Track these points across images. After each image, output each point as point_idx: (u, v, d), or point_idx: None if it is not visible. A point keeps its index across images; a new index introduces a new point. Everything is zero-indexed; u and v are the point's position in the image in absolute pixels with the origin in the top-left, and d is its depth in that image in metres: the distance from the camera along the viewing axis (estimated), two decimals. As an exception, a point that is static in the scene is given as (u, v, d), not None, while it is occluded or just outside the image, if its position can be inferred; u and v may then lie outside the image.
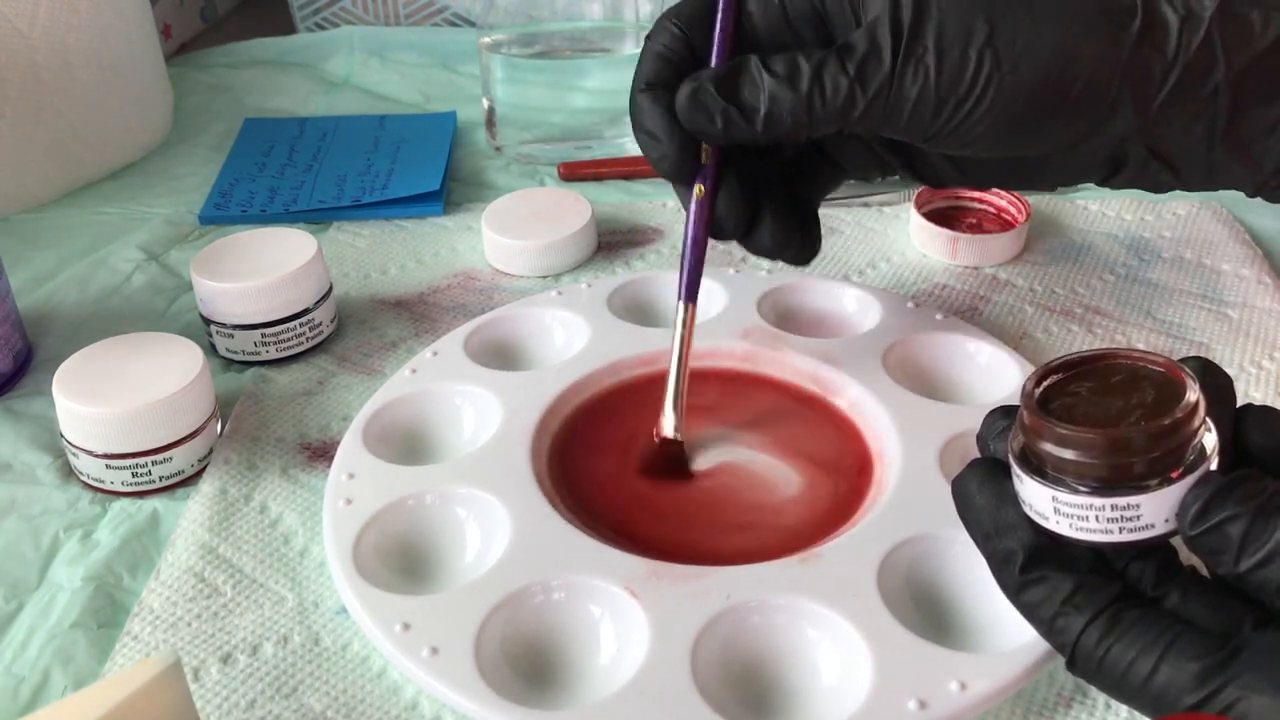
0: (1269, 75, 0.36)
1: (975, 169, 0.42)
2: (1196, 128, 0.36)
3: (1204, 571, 0.30)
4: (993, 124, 0.36)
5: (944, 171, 0.42)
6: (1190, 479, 0.28)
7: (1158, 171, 0.39)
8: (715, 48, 0.39)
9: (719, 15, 0.39)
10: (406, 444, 0.42)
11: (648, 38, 0.40)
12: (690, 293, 0.41)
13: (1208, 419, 0.29)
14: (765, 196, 0.41)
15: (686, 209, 0.40)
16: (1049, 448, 0.29)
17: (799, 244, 0.42)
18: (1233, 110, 0.36)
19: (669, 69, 0.39)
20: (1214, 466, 0.29)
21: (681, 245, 0.41)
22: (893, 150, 0.43)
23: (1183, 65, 0.35)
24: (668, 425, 0.40)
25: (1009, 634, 0.33)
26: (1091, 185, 0.60)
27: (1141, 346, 0.47)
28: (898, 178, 0.44)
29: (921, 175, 0.43)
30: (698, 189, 0.40)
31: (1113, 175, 0.40)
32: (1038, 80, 0.35)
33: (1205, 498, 0.28)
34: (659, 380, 0.45)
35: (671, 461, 0.41)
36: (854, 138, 0.43)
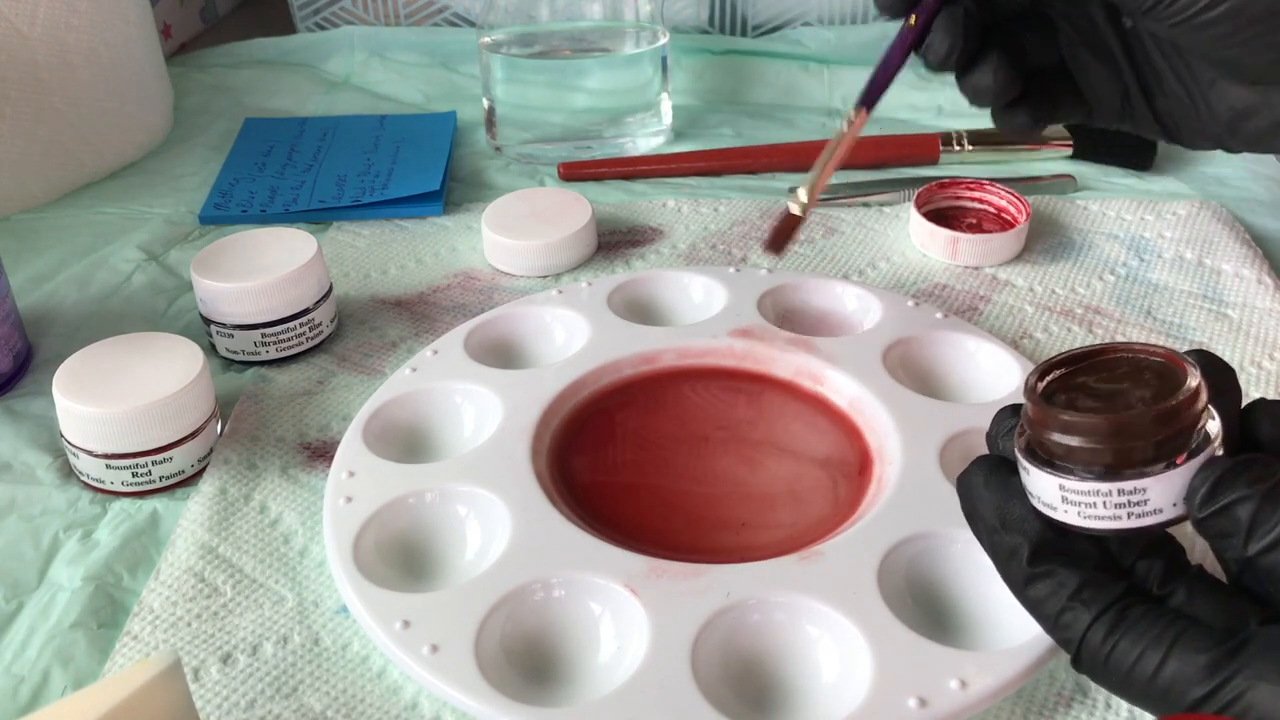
0: None
1: (1194, 107, 0.41)
2: None
3: (1211, 572, 0.30)
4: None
5: (1170, 113, 0.42)
6: (1196, 462, 0.28)
7: None
8: None
9: None
10: (407, 442, 0.42)
11: None
12: (865, 98, 0.41)
13: (1210, 407, 0.29)
14: (996, 47, 0.40)
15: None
16: (1055, 436, 0.29)
17: (1019, 110, 0.41)
18: None
19: None
20: (1219, 453, 0.29)
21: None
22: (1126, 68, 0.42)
23: None
24: (796, 202, 0.41)
25: (1009, 632, 0.33)
26: (1091, 185, 0.60)
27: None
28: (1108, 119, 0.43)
29: (1150, 113, 0.42)
30: (911, 19, 0.40)
31: None
32: None
33: (1214, 479, 0.28)
34: (659, 379, 0.45)
35: (780, 232, 0.42)
36: (1097, 61, 0.42)
